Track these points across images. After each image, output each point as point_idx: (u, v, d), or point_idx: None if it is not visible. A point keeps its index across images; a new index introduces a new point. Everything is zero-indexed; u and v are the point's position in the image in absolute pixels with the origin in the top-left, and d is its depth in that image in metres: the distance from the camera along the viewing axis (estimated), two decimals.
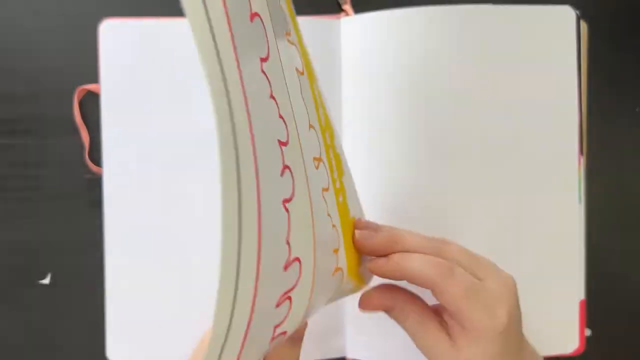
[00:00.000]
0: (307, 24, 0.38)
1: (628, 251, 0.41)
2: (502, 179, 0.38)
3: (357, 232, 0.28)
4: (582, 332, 0.39)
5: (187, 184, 0.38)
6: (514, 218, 0.38)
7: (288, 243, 0.18)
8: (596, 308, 0.40)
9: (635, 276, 0.41)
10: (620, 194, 0.41)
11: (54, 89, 0.39)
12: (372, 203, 0.38)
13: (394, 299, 0.29)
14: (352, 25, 0.38)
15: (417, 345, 0.28)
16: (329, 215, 0.24)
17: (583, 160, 0.39)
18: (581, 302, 0.39)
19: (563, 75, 0.39)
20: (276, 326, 0.20)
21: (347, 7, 0.39)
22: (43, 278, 0.39)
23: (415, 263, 0.27)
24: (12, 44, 0.39)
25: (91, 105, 0.39)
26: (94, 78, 0.38)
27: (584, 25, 0.39)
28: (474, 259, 0.28)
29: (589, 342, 0.39)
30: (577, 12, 0.38)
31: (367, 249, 0.28)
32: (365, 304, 0.29)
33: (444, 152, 0.38)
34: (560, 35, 0.38)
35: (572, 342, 0.39)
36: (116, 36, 0.38)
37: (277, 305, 0.19)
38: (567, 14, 0.38)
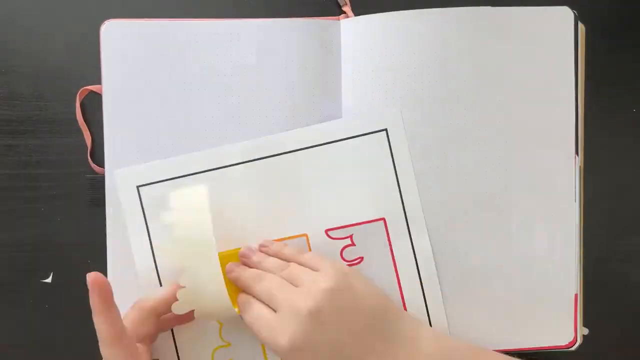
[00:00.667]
0: (307, 24, 0.38)
1: (624, 250, 0.42)
2: (499, 177, 0.39)
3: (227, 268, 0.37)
4: (576, 325, 0.39)
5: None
6: (511, 216, 0.39)
7: None
8: (593, 307, 0.40)
9: (631, 275, 0.42)
10: (617, 193, 0.41)
11: (56, 90, 0.40)
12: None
13: None
14: (351, 27, 0.39)
15: None
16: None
17: (579, 159, 0.39)
18: (575, 296, 0.39)
19: (560, 75, 0.39)
20: None
21: (347, 8, 0.40)
22: (45, 277, 0.40)
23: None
24: (14, 45, 0.40)
25: (93, 105, 0.39)
26: (96, 79, 0.39)
27: (582, 27, 0.39)
28: (283, 289, 0.34)
29: (586, 340, 0.40)
30: (575, 12, 0.39)
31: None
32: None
33: (443, 151, 0.38)
34: (558, 35, 0.39)
35: (566, 335, 0.39)
36: (118, 37, 0.38)
37: None
38: (565, 15, 0.39)
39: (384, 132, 0.38)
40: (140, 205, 0.38)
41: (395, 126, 0.38)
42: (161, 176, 0.38)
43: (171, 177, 0.38)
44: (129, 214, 0.38)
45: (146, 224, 0.38)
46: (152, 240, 0.38)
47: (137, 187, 0.38)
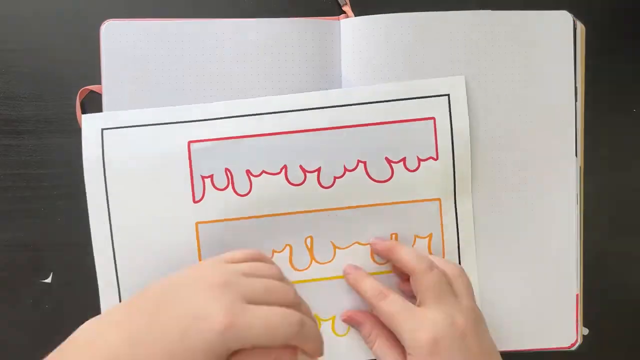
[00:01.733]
0: (307, 24, 0.38)
1: (624, 251, 0.42)
2: (499, 178, 0.39)
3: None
4: (577, 325, 0.39)
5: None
6: (512, 217, 0.39)
7: None
8: (593, 307, 0.40)
9: (631, 275, 0.42)
10: (617, 193, 0.42)
11: (56, 90, 0.40)
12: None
13: (365, 318, 0.37)
14: (351, 27, 0.39)
15: None
16: None
17: (580, 161, 0.39)
18: (576, 296, 0.39)
19: (560, 79, 0.39)
20: None
21: (347, 8, 0.40)
22: (45, 277, 0.40)
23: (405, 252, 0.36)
24: (14, 45, 0.39)
25: (93, 105, 0.39)
26: (96, 79, 0.39)
27: (581, 27, 0.39)
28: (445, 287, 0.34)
29: (586, 340, 0.40)
30: (574, 17, 0.39)
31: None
32: (344, 316, 0.38)
33: None
34: (557, 39, 0.39)
35: (569, 336, 0.39)
36: (118, 37, 0.38)
37: None
38: (565, 19, 0.39)
39: (446, 97, 0.38)
40: (101, 148, 0.37)
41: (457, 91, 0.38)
42: (130, 122, 0.38)
43: (140, 124, 0.38)
44: (89, 159, 0.38)
45: (105, 178, 0.38)
46: (108, 191, 0.38)
47: (102, 129, 0.38)
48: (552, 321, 0.39)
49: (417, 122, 0.37)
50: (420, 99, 0.37)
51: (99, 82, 0.39)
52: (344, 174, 0.37)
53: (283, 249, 0.38)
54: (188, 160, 0.37)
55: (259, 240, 0.37)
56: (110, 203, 0.38)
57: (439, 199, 0.38)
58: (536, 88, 0.39)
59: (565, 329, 0.39)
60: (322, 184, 0.37)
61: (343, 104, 0.37)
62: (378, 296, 0.34)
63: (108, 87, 0.38)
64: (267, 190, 0.37)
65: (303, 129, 0.37)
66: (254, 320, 0.25)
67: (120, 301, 0.38)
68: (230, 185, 0.37)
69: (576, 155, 0.39)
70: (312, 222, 0.38)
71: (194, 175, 0.37)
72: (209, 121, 0.37)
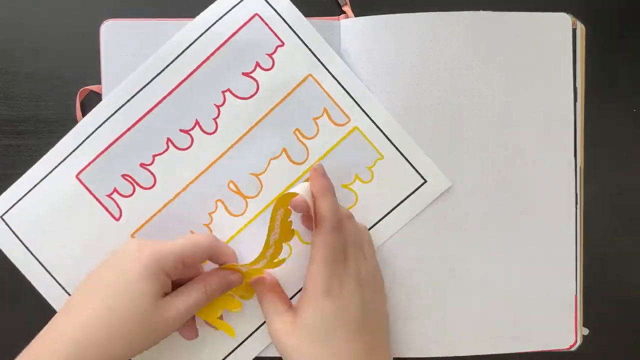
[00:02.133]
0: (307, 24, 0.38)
1: (624, 251, 0.42)
2: (499, 178, 0.39)
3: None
4: (576, 327, 0.39)
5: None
6: (512, 216, 0.39)
7: None
8: (593, 307, 0.40)
9: (631, 275, 0.42)
10: (617, 193, 0.41)
11: (56, 90, 0.40)
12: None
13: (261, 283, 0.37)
14: (351, 27, 0.39)
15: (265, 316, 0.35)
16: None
17: (579, 160, 0.39)
18: (575, 298, 0.39)
19: (559, 80, 0.39)
20: None
21: (347, 8, 0.40)
22: None
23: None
24: (14, 45, 0.40)
25: (93, 105, 0.39)
26: (96, 79, 0.39)
27: (581, 27, 0.39)
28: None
29: (586, 340, 0.40)
30: (574, 17, 0.39)
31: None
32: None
33: (442, 151, 0.38)
34: (556, 41, 0.39)
35: (568, 338, 0.39)
36: (117, 37, 0.38)
37: None
38: (563, 21, 0.39)
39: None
40: (13, 234, 0.38)
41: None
42: (20, 192, 0.38)
43: (30, 187, 0.38)
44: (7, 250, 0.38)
45: (27, 248, 0.38)
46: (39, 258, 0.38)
47: (1, 216, 0.38)
48: (551, 323, 0.39)
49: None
50: (405, 161, 0.38)
51: (99, 82, 0.39)
52: (218, 113, 0.38)
53: (216, 208, 0.38)
54: (86, 190, 0.38)
55: (191, 214, 0.38)
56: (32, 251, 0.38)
57: (309, 74, 0.38)
58: (536, 88, 0.39)
59: (565, 330, 0.39)
60: (206, 131, 0.38)
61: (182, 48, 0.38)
62: (336, 223, 0.33)
63: (108, 87, 0.38)
64: (169, 168, 0.38)
65: (161, 97, 0.38)
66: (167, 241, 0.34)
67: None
68: (135, 186, 0.38)
69: (576, 155, 0.39)
70: (224, 168, 0.38)
71: (99, 198, 0.38)
72: (81, 145, 0.38)
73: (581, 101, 0.40)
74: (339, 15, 0.40)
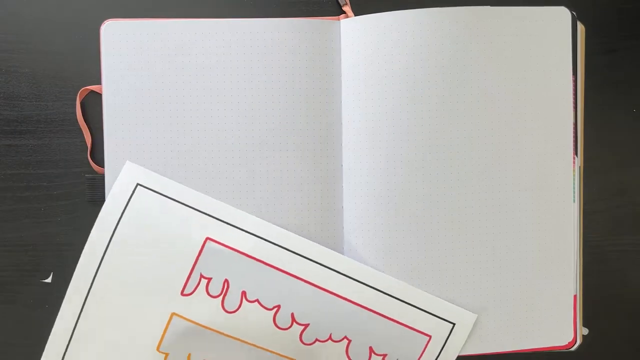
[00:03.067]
0: (307, 24, 0.38)
1: (624, 250, 0.42)
2: (498, 177, 0.39)
3: None
4: (575, 325, 0.39)
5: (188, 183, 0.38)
6: (510, 216, 0.39)
7: None
8: (593, 307, 0.40)
9: (631, 275, 0.42)
10: (617, 193, 0.42)
11: (56, 90, 0.40)
12: (373, 202, 0.38)
13: None
14: (352, 27, 0.39)
15: None
16: None
17: (578, 160, 0.39)
18: (574, 297, 0.39)
19: (558, 76, 0.39)
20: None
21: (347, 8, 0.40)
22: (45, 277, 0.40)
23: None
24: (14, 45, 0.40)
25: (93, 105, 0.39)
26: (96, 79, 0.39)
27: (581, 28, 0.39)
28: None
29: (586, 340, 0.40)
30: (574, 13, 0.39)
31: None
32: None
33: (442, 150, 0.38)
34: (555, 36, 0.39)
35: (566, 335, 0.39)
36: (118, 37, 0.38)
37: None
38: (563, 15, 0.39)
39: (451, 325, 0.38)
40: (127, 202, 0.37)
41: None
42: (164, 191, 0.37)
43: (173, 197, 0.37)
44: (110, 205, 0.37)
45: (117, 223, 0.37)
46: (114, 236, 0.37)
47: (137, 184, 0.37)
48: (550, 321, 0.39)
49: (414, 331, 0.38)
50: (428, 315, 0.38)
51: (99, 82, 0.39)
52: (327, 339, 0.37)
53: None
54: (197, 254, 0.37)
55: (221, 359, 0.37)
56: (103, 260, 0.37)
57: None
58: (535, 87, 0.39)
59: (564, 329, 0.39)
60: (304, 340, 0.37)
61: (357, 278, 0.37)
62: None
63: (108, 87, 0.38)
64: (252, 319, 0.37)
65: (310, 281, 0.37)
66: None
67: None
68: (222, 296, 0.37)
69: (576, 155, 0.39)
70: None
71: (194, 269, 0.37)
72: (228, 226, 0.37)
73: (581, 101, 0.40)
74: (339, 15, 0.40)
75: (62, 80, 0.40)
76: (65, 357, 0.37)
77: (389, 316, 0.37)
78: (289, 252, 0.37)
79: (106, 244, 0.37)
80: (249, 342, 0.37)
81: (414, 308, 0.38)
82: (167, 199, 0.37)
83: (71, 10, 0.40)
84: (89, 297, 0.37)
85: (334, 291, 0.37)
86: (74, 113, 0.39)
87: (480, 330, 0.39)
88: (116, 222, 0.37)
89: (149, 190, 0.37)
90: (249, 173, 0.39)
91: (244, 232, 0.37)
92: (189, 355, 0.37)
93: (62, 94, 0.40)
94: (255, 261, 0.37)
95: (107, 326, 0.37)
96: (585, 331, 0.40)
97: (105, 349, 0.37)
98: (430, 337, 0.38)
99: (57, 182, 0.40)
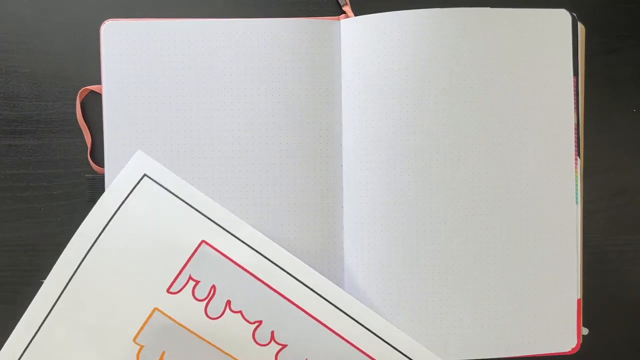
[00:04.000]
0: (307, 24, 0.38)
1: (624, 251, 0.42)
2: (498, 178, 0.39)
3: None
4: (578, 330, 0.39)
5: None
6: (511, 217, 0.39)
7: None
8: (593, 307, 0.40)
9: (631, 275, 0.42)
10: (618, 194, 0.42)
11: (56, 90, 0.40)
12: (373, 202, 0.38)
13: None
14: (352, 27, 0.39)
15: None
16: None
17: (580, 161, 0.39)
18: (578, 301, 0.39)
19: (559, 78, 0.39)
20: None
21: (347, 8, 0.40)
22: (45, 277, 0.40)
23: None
24: (14, 45, 0.40)
25: (93, 105, 0.39)
26: (96, 79, 0.39)
27: (581, 27, 0.39)
28: None
29: (585, 340, 0.40)
30: (574, 15, 0.39)
31: None
32: None
33: (442, 150, 0.38)
34: (556, 38, 0.39)
35: (569, 341, 0.39)
36: (118, 37, 0.38)
37: None
38: (563, 17, 0.39)
39: None
40: (131, 187, 0.37)
41: None
42: (170, 187, 0.37)
43: (177, 195, 0.37)
44: (113, 191, 0.37)
45: (117, 210, 0.37)
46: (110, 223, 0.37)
47: (145, 174, 0.37)
48: (552, 326, 0.39)
49: None
50: None
51: (99, 82, 0.39)
52: None
53: None
54: (190, 255, 0.37)
55: None
56: (96, 243, 0.37)
57: None
58: (536, 90, 0.39)
59: (566, 333, 0.39)
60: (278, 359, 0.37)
61: (346, 311, 0.37)
62: None
63: (108, 87, 0.38)
64: (232, 329, 0.37)
65: (298, 303, 0.37)
66: None
67: None
68: (206, 301, 0.37)
69: (578, 156, 0.39)
70: None
71: (184, 270, 0.37)
72: (227, 233, 0.37)
73: (581, 101, 0.40)
74: (339, 15, 0.40)
75: (62, 80, 0.40)
76: (40, 331, 0.37)
77: (372, 355, 0.37)
78: (282, 271, 0.37)
79: (102, 227, 0.37)
80: (224, 350, 0.37)
81: (397, 352, 0.37)
82: (170, 194, 0.37)
83: (71, 10, 0.40)
84: (74, 277, 0.37)
85: (320, 319, 0.37)
86: (74, 113, 0.39)
87: (482, 334, 0.39)
88: (116, 208, 0.37)
89: (155, 183, 0.37)
90: (249, 173, 0.39)
91: (240, 242, 0.37)
92: (163, 353, 0.37)
93: (62, 94, 0.40)
94: (246, 273, 0.37)
95: (86, 308, 0.37)
96: (585, 331, 0.40)
97: (82, 330, 0.37)
98: None
99: (57, 182, 0.40)
